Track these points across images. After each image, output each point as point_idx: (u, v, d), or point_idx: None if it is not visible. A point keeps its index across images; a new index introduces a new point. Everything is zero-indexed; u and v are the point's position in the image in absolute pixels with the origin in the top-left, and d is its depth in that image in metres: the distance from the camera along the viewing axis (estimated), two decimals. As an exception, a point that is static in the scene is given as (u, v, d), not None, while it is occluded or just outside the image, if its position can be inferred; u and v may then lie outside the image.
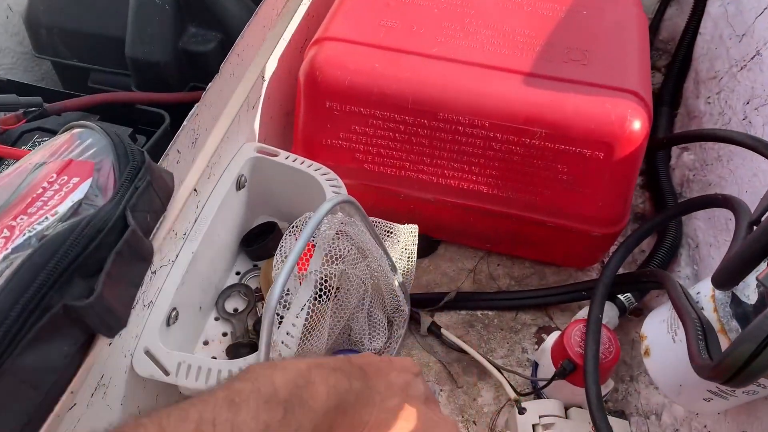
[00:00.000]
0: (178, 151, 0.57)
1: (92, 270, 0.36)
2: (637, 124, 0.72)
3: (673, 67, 1.09)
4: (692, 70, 1.07)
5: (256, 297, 0.77)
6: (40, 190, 0.42)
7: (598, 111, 0.73)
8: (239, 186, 0.75)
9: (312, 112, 0.80)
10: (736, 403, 0.62)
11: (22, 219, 0.40)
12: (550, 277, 0.92)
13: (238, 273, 0.80)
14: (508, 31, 0.81)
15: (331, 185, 0.75)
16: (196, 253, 0.67)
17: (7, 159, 0.66)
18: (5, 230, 0.40)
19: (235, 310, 0.76)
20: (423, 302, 0.87)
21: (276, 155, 0.78)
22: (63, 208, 0.39)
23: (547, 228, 0.82)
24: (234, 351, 0.72)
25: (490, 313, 0.88)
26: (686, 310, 0.54)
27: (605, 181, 0.75)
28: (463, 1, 0.85)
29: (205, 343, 0.74)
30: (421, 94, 0.76)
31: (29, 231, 0.38)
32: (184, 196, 0.55)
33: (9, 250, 0.37)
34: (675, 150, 1.01)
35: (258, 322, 0.74)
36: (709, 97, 0.98)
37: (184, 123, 0.57)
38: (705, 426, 0.71)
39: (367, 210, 0.90)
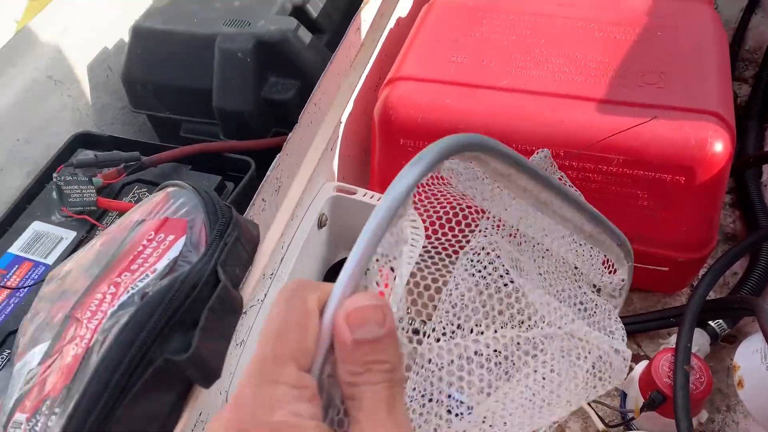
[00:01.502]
0: (263, 199, 0.60)
1: (188, 324, 0.39)
2: (719, 146, 0.70)
3: (762, 77, 1.05)
4: (782, 80, 1.03)
5: (341, 331, 0.80)
6: (141, 248, 0.46)
7: (676, 135, 0.71)
8: (321, 224, 0.78)
9: (387, 150, 0.83)
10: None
11: (125, 276, 0.44)
12: (638, 303, 0.90)
13: (322, 308, 0.83)
14: (580, 58, 0.81)
15: (408, 220, 0.77)
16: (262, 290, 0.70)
17: (111, 210, 0.72)
18: (112, 287, 0.44)
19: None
20: (505, 332, 0.87)
21: (354, 193, 0.80)
22: (161, 266, 0.43)
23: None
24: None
25: (574, 341, 0.87)
26: (779, 343, 0.52)
27: (688, 206, 0.73)
28: (533, 30, 0.86)
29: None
30: (492, 126, 0.77)
31: (132, 288, 0.42)
32: (271, 243, 0.59)
33: (116, 307, 0.41)
34: (767, 166, 0.97)
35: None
36: (800, 109, 0.94)
37: (267, 173, 0.60)
38: (811, 460, 0.68)
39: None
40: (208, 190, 0.49)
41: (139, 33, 0.83)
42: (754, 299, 0.65)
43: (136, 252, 0.46)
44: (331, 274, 0.84)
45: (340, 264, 0.86)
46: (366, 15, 0.78)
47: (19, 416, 0.41)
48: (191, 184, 0.49)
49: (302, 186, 0.68)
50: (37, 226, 0.71)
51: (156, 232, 0.47)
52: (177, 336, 0.38)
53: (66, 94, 0.85)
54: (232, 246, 0.44)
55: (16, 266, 0.68)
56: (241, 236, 0.46)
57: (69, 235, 0.70)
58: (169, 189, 0.51)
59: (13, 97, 0.78)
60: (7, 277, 0.67)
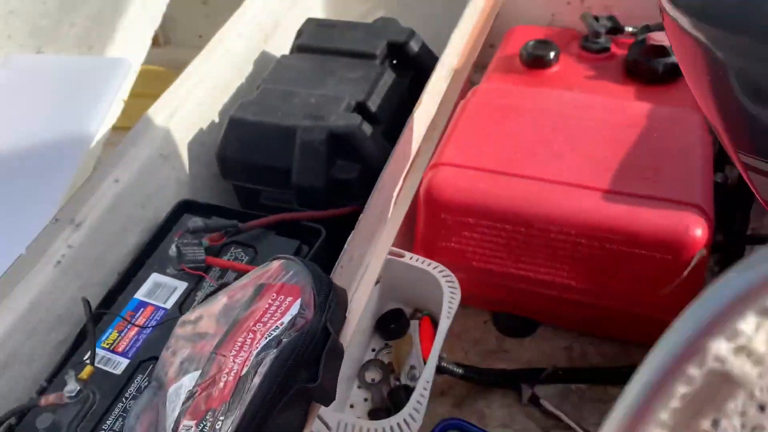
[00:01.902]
0: (342, 266, 0.79)
1: (309, 363, 0.57)
2: (698, 232, 0.88)
3: (748, 164, 1.22)
4: None
5: (389, 370, 0.98)
6: (267, 305, 0.65)
7: (665, 222, 0.89)
8: (376, 282, 0.97)
9: (430, 222, 1.01)
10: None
11: (259, 326, 0.63)
12: (636, 356, 1.06)
13: (373, 350, 1.01)
14: (590, 153, 1.00)
15: (446, 280, 0.96)
16: (350, 339, 0.88)
17: (215, 266, 0.91)
18: (250, 333, 0.63)
19: (373, 380, 0.97)
20: (524, 376, 1.03)
21: (402, 256, 0.99)
22: (286, 320, 0.62)
23: (630, 315, 0.97)
24: (374, 414, 0.92)
25: (583, 386, 1.04)
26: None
27: (674, 279, 0.91)
28: (554, 128, 1.05)
29: (351, 406, 0.95)
30: (518, 208, 0.95)
31: (268, 336, 0.61)
32: (359, 307, 0.77)
33: (259, 348, 0.59)
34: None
35: (392, 391, 0.94)
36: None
37: (345, 247, 0.79)
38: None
39: (476, 297, 1.09)
40: (314, 265, 0.68)
41: (234, 122, 1.04)
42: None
43: (264, 309, 0.64)
44: (381, 321, 1.03)
45: (389, 313, 1.05)
46: (418, 115, 0.97)
47: (187, 422, 0.60)
48: (300, 259, 0.68)
49: (372, 261, 0.87)
50: (156, 278, 0.91)
51: (277, 294, 0.65)
52: (304, 372, 0.57)
53: (171, 166, 1.06)
54: (334, 308, 0.62)
55: (142, 309, 0.87)
56: (339, 301, 0.64)
57: (182, 286, 0.89)
58: (283, 261, 0.70)
59: (136, 170, 0.99)
60: (136, 317, 0.86)
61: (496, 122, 1.07)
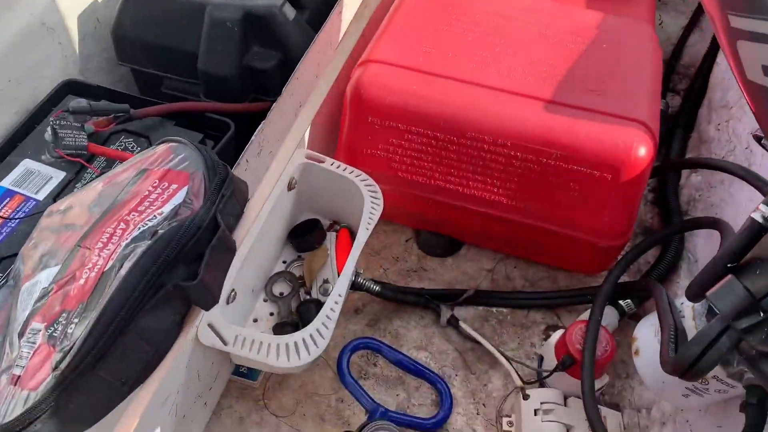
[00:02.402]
0: (247, 160, 0.68)
1: (191, 259, 0.47)
2: (642, 151, 0.82)
3: (691, 92, 1.17)
4: (707, 97, 1.16)
5: (299, 283, 0.89)
6: (147, 193, 0.54)
7: (607, 138, 0.82)
8: (290, 187, 0.87)
9: (355, 126, 0.91)
10: (711, 401, 0.71)
11: (134, 215, 0.52)
12: (562, 282, 1.02)
13: (284, 261, 0.92)
14: (533, 60, 0.91)
15: (369, 190, 0.86)
16: (253, 244, 0.78)
17: (99, 156, 0.78)
18: (122, 224, 0.52)
19: (281, 293, 0.88)
20: (444, 297, 0.97)
21: (322, 161, 0.89)
22: (167, 209, 0.51)
23: (559, 237, 0.92)
24: (279, 329, 0.83)
25: (504, 310, 0.99)
26: (666, 317, 0.64)
27: (612, 200, 0.85)
28: (496, 30, 0.95)
29: (255, 320, 0.86)
30: (451, 114, 0.86)
31: (143, 226, 0.50)
32: (260, 200, 0.67)
33: (129, 240, 0.49)
34: (685, 171, 1.10)
35: (301, 305, 0.85)
36: (719, 124, 1.07)
37: (252, 137, 0.68)
38: (687, 420, 0.81)
39: (397, 212, 1.01)
40: (207, 149, 0.57)
41: (133, -8, 0.89)
42: (654, 284, 0.78)
43: (142, 196, 0.53)
44: (294, 231, 0.93)
45: (304, 223, 0.95)
46: (348, 1, 0.85)
47: (37, 324, 0.49)
48: (192, 142, 0.57)
49: (280, 152, 0.76)
50: (28, 164, 0.77)
51: (160, 180, 0.54)
52: (182, 268, 0.46)
53: (56, 41, 0.90)
54: (228, 199, 0.52)
55: (8, 199, 0.74)
56: (235, 191, 0.54)
57: (59, 175, 0.76)
58: (171, 144, 0.58)
59: (9, 39, 0.83)
60: (0, 208, 0.73)
61: (434, 19, 0.96)
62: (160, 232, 0.48)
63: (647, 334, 0.75)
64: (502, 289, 1.01)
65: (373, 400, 0.84)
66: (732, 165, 0.80)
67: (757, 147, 0.93)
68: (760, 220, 0.50)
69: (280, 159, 0.73)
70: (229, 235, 0.51)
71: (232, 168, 0.66)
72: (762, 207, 0.51)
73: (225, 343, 0.72)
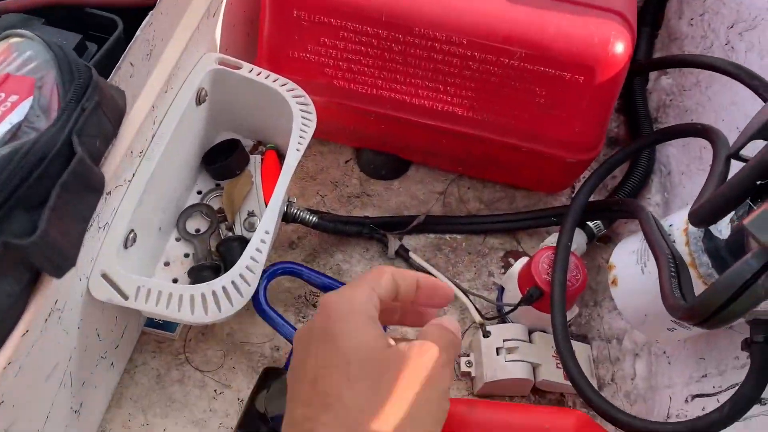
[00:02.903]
0: (132, 63, 0.52)
1: (35, 202, 0.32)
2: (620, 47, 0.69)
3: (658, -16, 1.04)
4: (677, -12, 1.03)
5: (219, 218, 0.74)
6: (-26, 108, 0.38)
7: (581, 32, 0.69)
8: (199, 100, 0.71)
9: (278, 22, 0.75)
10: (697, 333, 0.63)
11: (-47, 141, 0.36)
12: (520, 202, 0.91)
13: (199, 192, 0.77)
14: (491, -61, 0.75)
15: (298, 102, 0.71)
16: (154, 172, 0.63)
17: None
18: (-65, 153, 0.36)
19: (197, 230, 0.74)
20: (391, 225, 0.85)
21: (239, 68, 0.73)
22: (0, 131, 0.35)
23: (521, 153, 0.80)
24: (196, 273, 0.69)
25: (458, 236, 0.88)
26: (659, 245, 0.54)
27: (583, 106, 0.73)
28: None
29: (166, 264, 0.72)
30: (395, 5, 0.71)
31: (-38, 156, 0.34)
32: (140, 114, 0.51)
33: (-61, 178, 0.33)
34: (653, 73, 0.98)
35: (221, 244, 0.71)
36: (692, 19, 0.95)
37: (138, 33, 0.52)
38: (664, 352, 0.73)
39: (334, 129, 0.87)
40: (63, 45, 0.40)
41: None
42: (636, 202, 0.67)
43: (-34, 112, 0.37)
44: (210, 155, 0.77)
45: (221, 145, 0.79)
46: None
47: None
48: (41, 36, 0.40)
49: (178, 53, 0.60)
50: None
51: (-6, 90, 0.38)
52: (21, 215, 0.32)
53: None
54: (91, 113, 0.37)
55: None
56: (102, 103, 0.38)
57: None
58: (13, 40, 0.42)
59: None
60: None
61: None
62: (-16, 163, 0.32)
63: (628, 262, 0.65)
64: (455, 213, 0.89)
65: (295, 328, 0.71)
66: (723, 62, 0.69)
67: (739, 43, 0.82)
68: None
69: (169, 55, 0.57)
70: (93, 165, 0.37)
71: (111, 75, 0.50)
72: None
73: (125, 297, 0.58)
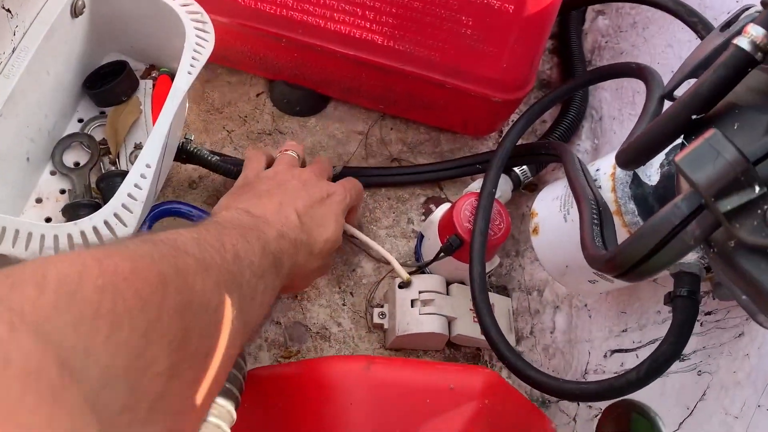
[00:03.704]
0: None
1: None
2: (555, -28, 0.63)
3: None
4: None
5: (102, 150, 0.65)
6: None
7: (513, -48, 0.62)
8: (75, 12, 0.61)
9: (173, -75, 0.65)
10: (620, 285, 0.59)
11: None
12: (445, 145, 0.85)
13: (80, 120, 0.67)
14: None
15: (193, 18, 0.62)
16: (15, 91, 0.54)
17: None
18: None
19: (76, 164, 0.65)
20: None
21: (125, -24, 0.63)
22: None
23: (446, 90, 0.73)
24: (72, 211, 0.61)
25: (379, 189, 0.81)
26: (583, 190, 0.49)
27: (512, 40, 0.67)
28: None
29: (38, 200, 0.63)
30: None
31: None
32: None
33: None
34: (590, 13, 0.93)
35: (102, 179, 0.63)
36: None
37: None
38: (585, 305, 0.70)
39: (243, 57, 0.78)
40: None
41: None
42: (563, 145, 0.62)
43: None
44: (93, 79, 0.68)
45: (106, 67, 0.68)
46: None
47: None
48: None
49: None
50: None
51: None
52: None
53: None
54: None
55: None
56: None
57: None
58: None
59: None
60: None
61: None
62: None
63: (550, 209, 0.60)
64: (376, 156, 0.83)
65: None
66: (660, -4, 0.63)
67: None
68: (748, 47, 0.33)
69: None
70: None
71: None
72: (751, 29, 0.34)
73: (-20, 240, 0.50)
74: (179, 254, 0.38)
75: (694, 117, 0.36)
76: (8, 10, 0.51)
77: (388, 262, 0.71)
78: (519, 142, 0.72)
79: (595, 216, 0.44)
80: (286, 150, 0.67)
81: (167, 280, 0.34)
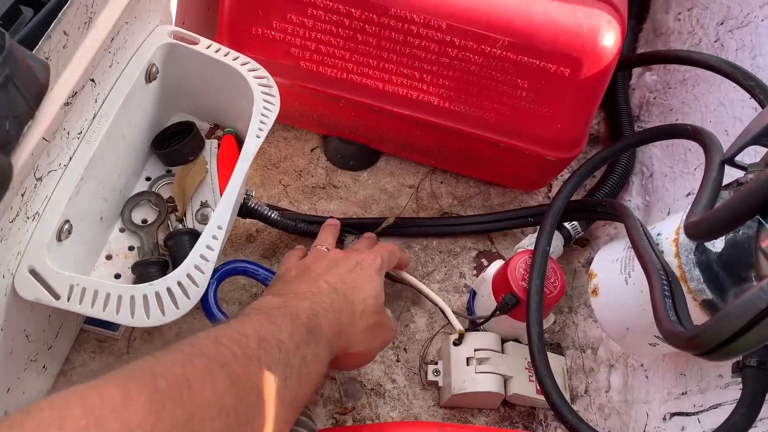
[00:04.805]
0: (65, 32, 0.45)
1: None
2: (610, 39, 0.64)
3: (644, -24, 1.00)
4: (664, -20, 0.99)
5: (169, 208, 0.68)
6: None
7: (569, 21, 0.64)
8: (150, 77, 0.64)
9: (241, -5, 0.68)
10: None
11: None
12: (495, 199, 0.86)
13: (148, 179, 0.70)
14: None
15: (260, 83, 0.65)
16: (95, 156, 0.56)
17: None
18: None
19: (144, 221, 0.67)
20: (359, 227, 0.78)
21: (195, 43, 0.66)
22: None
23: (499, 148, 0.75)
24: (141, 269, 0.63)
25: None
26: (650, 258, 0.49)
27: (568, 102, 0.68)
28: None
29: (108, 257, 0.65)
30: (370, -17, 0.65)
31: None
32: (65, 91, 0.44)
33: None
34: (637, 69, 0.94)
35: (170, 237, 0.65)
36: (679, 13, 0.91)
37: (71, -3, 0.45)
38: (642, 365, 0.69)
39: (300, 115, 0.80)
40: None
41: None
42: (622, 205, 0.63)
43: None
44: (161, 139, 0.71)
45: (174, 128, 0.71)
46: None
47: None
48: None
49: (123, 20, 0.53)
50: None
51: None
52: None
53: None
54: (1, 88, 0.30)
55: None
56: (15, 76, 0.32)
57: None
58: None
59: None
60: None
61: None
62: None
63: (610, 271, 0.61)
64: (427, 208, 0.84)
65: None
66: (717, 60, 0.64)
67: (729, 40, 0.78)
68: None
69: (113, 25, 0.50)
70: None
71: (38, 45, 0.43)
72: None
73: (56, 297, 0.52)
74: (187, 360, 0.37)
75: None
76: (92, 80, 0.54)
77: (442, 310, 0.72)
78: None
79: (666, 289, 0.45)
80: (318, 245, 0.66)
81: (163, 397, 0.33)
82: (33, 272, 0.52)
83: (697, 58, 0.67)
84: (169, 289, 0.53)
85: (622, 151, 0.75)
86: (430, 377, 0.71)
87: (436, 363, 0.72)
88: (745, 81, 0.62)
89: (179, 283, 0.54)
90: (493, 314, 0.67)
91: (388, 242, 0.72)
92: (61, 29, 0.44)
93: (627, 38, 0.96)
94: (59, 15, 0.44)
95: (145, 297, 0.53)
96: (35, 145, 0.38)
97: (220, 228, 0.57)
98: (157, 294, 0.53)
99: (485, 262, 0.81)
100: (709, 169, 0.55)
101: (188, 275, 0.54)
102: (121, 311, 0.52)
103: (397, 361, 0.74)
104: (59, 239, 0.55)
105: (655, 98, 0.89)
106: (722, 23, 0.80)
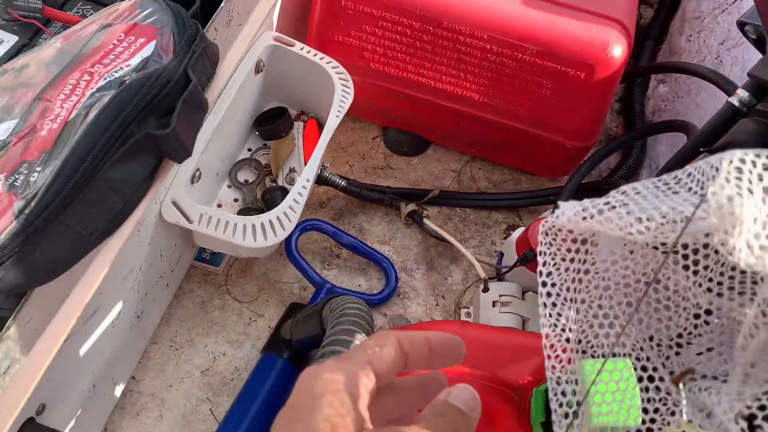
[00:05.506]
0: (216, 29, 0.65)
1: (162, 112, 0.45)
2: (618, 51, 0.81)
3: (664, 4, 1.16)
4: (681, 8, 1.15)
5: (265, 171, 0.87)
6: (111, 46, 0.51)
7: (584, 35, 0.81)
8: (258, 70, 0.84)
9: (328, 10, 0.88)
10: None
11: (98, 67, 0.49)
12: (525, 185, 1.03)
13: (249, 149, 0.90)
14: (515, -49, 0.88)
15: (340, 78, 0.84)
16: (219, 124, 0.76)
17: (54, 21, 0.73)
18: (86, 75, 0.49)
19: (246, 180, 0.86)
20: (409, 196, 0.97)
21: (292, 45, 0.86)
22: (134, 62, 0.48)
23: (528, 137, 0.92)
24: (245, 214, 0.82)
25: (467, 210, 1.00)
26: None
27: (583, 99, 0.85)
28: None
29: (219, 205, 0.85)
30: (428, 1, 0.83)
31: (109, 76, 0.47)
32: (230, 65, 0.64)
33: (95, 89, 0.46)
34: (653, 81, 1.10)
35: (266, 193, 0.84)
36: (690, 35, 1.07)
37: (222, 5, 0.64)
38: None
39: (365, 108, 0.99)
40: (176, 5, 0.53)
41: None
42: (619, 181, 0.79)
43: (107, 49, 0.50)
44: (261, 119, 0.90)
45: (270, 111, 0.92)
46: None
47: (-4, 175, 0.46)
48: (159, -3, 0.53)
49: (249, 26, 0.72)
50: (-24, 25, 0.72)
51: (126, 34, 0.51)
52: (153, 120, 0.44)
53: None
54: (200, 55, 0.49)
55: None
56: (207, 49, 0.51)
57: (11, 39, 0.71)
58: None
59: None
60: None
61: None
62: (128, 81, 0.45)
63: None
64: (465, 190, 1.02)
65: (319, 275, 0.84)
66: (700, 67, 0.81)
67: (726, 57, 0.94)
68: (737, 104, 0.51)
69: (248, 30, 0.70)
70: (201, 91, 0.49)
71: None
72: (740, 92, 0.51)
73: (189, 221, 0.71)
74: None
75: (701, 149, 0.53)
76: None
77: (469, 260, 0.89)
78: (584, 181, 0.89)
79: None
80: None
81: None
82: (174, 203, 0.71)
83: (684, 66, 0.84)
84: (270, 222, 0.72)
85: (626, 142, 0.91)
86: (463, 317, 0.88)
87: (468, 308, 0.89)
88: (724, 84, 0.78)
89: (277, 218, 0.72)
90: (514, 265, 0.84)
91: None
92: (213, 26, 0.64)
93: (646, 56, 1.12)
94: (213, 16, 0.64)
95: (253, 225, 0.72)
96: (216, 95, 0.58)
97: (304, 187, 0.76)
98: (262, 224, 0.72)
99: (512, 232, 0.97)
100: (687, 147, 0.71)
101: (284, 213, 0.73)
102: (236, 235, 0.71)
103: (437, 305, 0.91)
104: (192, 182, 0.74)
105: (665, 106, 1.05)
106: (722, 43, 0.96)
